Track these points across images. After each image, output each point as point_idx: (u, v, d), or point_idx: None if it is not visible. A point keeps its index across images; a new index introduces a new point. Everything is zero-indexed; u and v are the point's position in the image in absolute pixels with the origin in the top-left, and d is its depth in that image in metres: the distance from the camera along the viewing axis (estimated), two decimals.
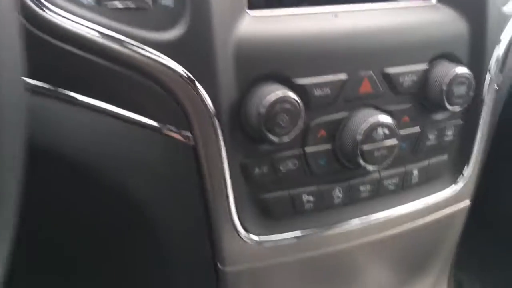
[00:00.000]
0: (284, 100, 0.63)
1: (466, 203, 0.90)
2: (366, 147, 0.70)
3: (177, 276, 0.75)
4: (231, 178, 0.67)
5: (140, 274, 0.80)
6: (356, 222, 0.79)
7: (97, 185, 0.69)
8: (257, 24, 0.66)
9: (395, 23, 0.74)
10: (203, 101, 0.63)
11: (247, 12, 0.65)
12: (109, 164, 0.67)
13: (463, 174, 0.86)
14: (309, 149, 0.71)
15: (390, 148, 0.72)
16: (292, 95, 0.64)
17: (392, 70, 0.73)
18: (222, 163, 0.66)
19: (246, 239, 0.71)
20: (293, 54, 0.67)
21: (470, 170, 0.86)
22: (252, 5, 0.66)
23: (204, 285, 0.76)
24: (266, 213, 0.72)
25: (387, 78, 0.73)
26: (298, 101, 0.64)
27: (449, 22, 0.77)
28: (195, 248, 0.72)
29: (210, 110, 0.64)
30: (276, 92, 0.63)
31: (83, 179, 0.69)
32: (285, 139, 0.65)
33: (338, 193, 0.76)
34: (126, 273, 0.82)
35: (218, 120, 0.64)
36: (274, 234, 0.73)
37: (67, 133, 0.67)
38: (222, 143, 0.65)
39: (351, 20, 0.71)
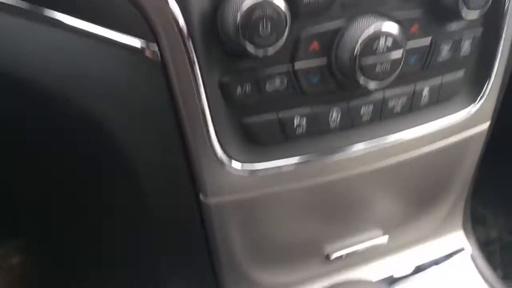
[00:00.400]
0: (264, 4, 0.53)
1: (485, 126, 0.80)
2: (365, 60, 0.60)
3: (158, 210, 0.68)
4: (209, 99, 0.59)
5: (118, 211, 0.74)
6: (355, 149, 0.70)
7: (63, 112, 0.61)
8: None
9: None
10: (170, 10, 0.54)
11: None
12: (72, 87, 0.59)
13: (482, 94, 0.75)
14: (299, 65, 0.61)
15: (395, 62, 0.62)
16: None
17: None
18: (196, 82, 0.57)
19: (229, 167, 0.63)
20: None
21: (490, 89, 0.75)
22: None
23: (188, 219, 0.69)
24: (252, 138, 0.64)
25: None
26: (283, 6, 0.54)
27: None
28: (173, 179, 0.65)
29: (179, 20, 0.54)
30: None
31: (46, 106, 0.61)
32: (269, 51, 0.56)
33: (335, 116, 0.67)
34: (102, 209, 0.76)
35: (189, 32, 0.55)
36: (261, 162, 0.65)
37: (25, 52, 0.60)
38: (195, 59, 0.56)
39: None
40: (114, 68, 0.58)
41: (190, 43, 0.55)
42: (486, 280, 0.89)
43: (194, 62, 0.56)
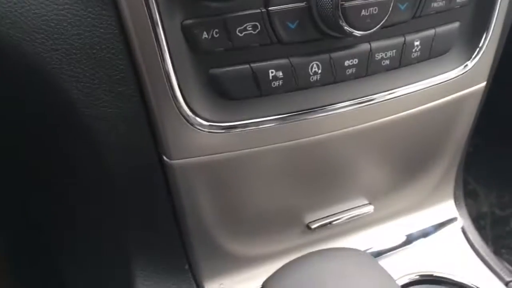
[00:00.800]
0: None
1: (480, 86, 0.73)
2: (349, 4, 0.53)
3: (118, 173, 0.61)
4: (170, 46, 0.52)
5: (76, 175, 0.67)
6: (339, 107, 0.63)
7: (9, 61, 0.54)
8: None
9: None
10: None
11: None
12: (14, 27, 0.51)
13: (479, 49, 0.68)
14: (274, 8, 0.54)
15: (383, 5, 0.55)
16: None
17: None
18: (154, 25, 0.50)
19: (195, 124, 0.56)
20: None
21: (487, 45, 0.68)
22: None
23: (151, 182, 0.62)
24: (221, 93, 0.57)
25: None
26: None
27: None
28: (132, 138, 0.58)
29: None
30: None
31: None
32: None
33: (315, 69, 0.59)
34: (62, 172, 0.69)
35: None
36: (231, 120, 0.58)
37: None
38: None
39: None
40: (59, 6, 0.50)
41: None
42: (477, 252, 0.83)
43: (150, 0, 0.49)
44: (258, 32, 0.54)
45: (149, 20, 0.50)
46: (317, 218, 0.76)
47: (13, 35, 0.50)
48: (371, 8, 0.54)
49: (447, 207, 0.87)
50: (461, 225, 0.86)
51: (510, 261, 1.44)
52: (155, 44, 0.51)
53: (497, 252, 1.44)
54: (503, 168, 1.64)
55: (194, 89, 0.55)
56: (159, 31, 0.50)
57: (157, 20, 0.50)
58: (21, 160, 0.74)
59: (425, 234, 0.84)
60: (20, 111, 0.60)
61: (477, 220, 1.61)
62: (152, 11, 0.49)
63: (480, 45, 0.68)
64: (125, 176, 0.62)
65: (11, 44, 0.50)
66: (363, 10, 0.54)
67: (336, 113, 0.63)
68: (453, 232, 0.86)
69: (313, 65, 0.59)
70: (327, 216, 0.76)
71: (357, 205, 0.78)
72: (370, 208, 0.78)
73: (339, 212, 0.77)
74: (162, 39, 0.51)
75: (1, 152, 0.74)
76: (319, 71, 0.59)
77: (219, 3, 0.52)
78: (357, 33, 0.55)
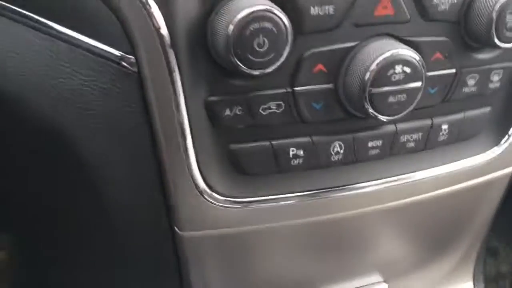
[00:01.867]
0: (262, 16, 0.45)
1: (508, 170, 0.70)
2: (376, 90, 0.52)
3: (128, 240, 0.60)
4: (191, 121, 0.51)
5: (85, 241, 0.66)
6: (359, 188, 0.61)
7: (27, 124, 0.53)
8: None
9: None
10: (151, 15, 0.46)
11: None
12: (34, 94, 0.51)
13: (509, 135, 0.66)
14: (300, 88, 0.53)
15: (411, 94, 0.53)
16: (276, 10, 0.46)
17: None
18: (177, 99, 0.49)
19: (210, 199, 0.55)
20: None
21: None
22: None
23: (159, 252, 0.61)
24: (239, 169, 0.55)
25: None
26: (285, 19, 0.46)
27: None
28: (147, 209, 0.57)
29: (160, 28, 0.46)
30: (252, 6, 0.45)
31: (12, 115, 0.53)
32: (265, 71, 0.48)
33: (337, 148, 0.58)
34: (70, 238, 0.68)
35: (172, 42, 0.47)
36: (247, 195, 0.57)
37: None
38: (177, 73, 0.48)
39: None
40: (83, 76, 0.50)
41: (172, 54, 0.47)
42: None
43: (175, 76, 0.48)
44: (282, 111, 0.53)
45: (172, 95, 0.49)
46: None
47: (45, 104, 0.50)
48: (400, 95, 0.53)
49: None
50: None
51: None
52: (176, 117, 0.50)
53: None
54: None
55: (211, 164, 0.54)
56: (182, 106, 0.50)
57: (179, 95, 0.49)
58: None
59: None
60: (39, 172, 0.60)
61: (497, 281, 1.55)
62: (176, 86, 0.49)
63: (510, 131, 0.66)
64: (134, 243, 0.61)
65: (40, 114, 0.50)
66: (391, 97, 0.53)
67: (356, 193, 0.61)
68: None
69: (335, 144, 0.58)
70: None
71: (370, 283, 0.76)
72: (384, 287, 0.75)
73: None
74: (183, 113, 0.50)
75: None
76: (341, 151, 0.58)
77: (244, 82, 0.51)
78: (383, 118, 0.54)
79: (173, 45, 0.47)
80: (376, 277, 0.75)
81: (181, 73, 0.48)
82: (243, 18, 0.45)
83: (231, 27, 0.45)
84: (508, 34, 0.55)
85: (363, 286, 0.74)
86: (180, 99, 0.49)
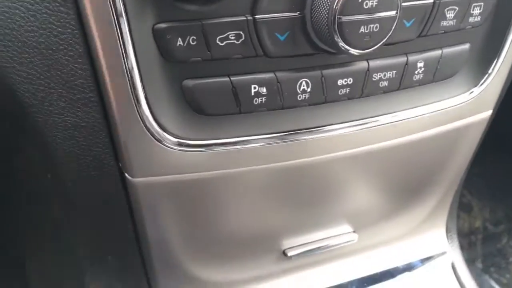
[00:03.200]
0: None
1: (487, 113, 0.66)
2: (346, 18, 0.46)
3: (75, 186, 0.54)
4: (138, 51, 0.45)
5: (34, 195, 0.60)
6: (328, 131, 0.56)
7: None
8: None
9: None
10: None
11: None
12: None
13: (488, 75, 0.62)
14: (262, 16, 0.47)
15: (386, 22, 0.48)
16: None
17: None
18: (120, 25, 0.43)
19: (162, 141, 0.50)
20: None
21: (498, 70, 0.62)
22: None
23: (110, 199, 0.55)
24: (195, 107, 0.50)
25: None
26: None
27: None
28: (92, 152, 0.51)
29: None
30: None
31: None
32: None
33: (304, 86, 0.53)
34: (19, 193, 0.62)
35: None
36: (205, 138, 0.51)
37: None
38: None
39: None
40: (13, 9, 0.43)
41: None
42: None
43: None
44: (242, 42, 0.48)
45: (114, 20, 0.43)
46: (295, 245, 0.70)
47: None
48: (372, 25, 0.48)
49: (438, 240, 0.81)
50: (451, 261, 0.80)
51: (498, 280, 1.39)
52: (120, 48, 0.44)
53: (486, 270, 1.39)
54: (499, 181, 1.58)
55: (163, 102, 0.48)
56: (126, 33, 0.43)
57: (123, 21, 0.43)
58: None
59: (411, 267, 0.78)
60: None
61: (469, 236, 1.56)
62: (118, 10, 0.42)
63: (490, 70, 0.62)
64: (82, 191, 0.55)
65: None
66: (363, 27, 0.47)
67: (325, 136, 0.57)
68: (442, 267, 0.80)
69: (302, 82, 0.52)
70: (306, 243, 0.70)
71: (340, 233, 0.72)
72: (354, 237, 0.72)
73: (319, 240, 0.71)
74: (128, 43, 0.44)
75: None
76: (308, 89, 0.53)
77: (198, 7, 0.45)
78: (354, 51, 0.49)
79: None
80: (345, 227, 0.72)
81: None
82: None
83: None
84: None
85: (332, 236, 0.71)
86: (123, 24, 0.43)
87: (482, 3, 0.56)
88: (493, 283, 1.38)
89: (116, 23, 0.43)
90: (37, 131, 0.49)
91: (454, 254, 0.81)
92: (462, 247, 1.49)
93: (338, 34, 0.47)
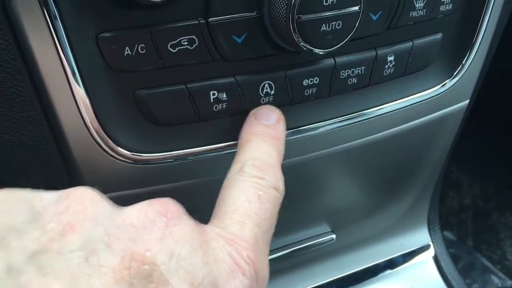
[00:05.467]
0: None
1: (463, 103, 0.64)
2: (306, 17, 0.43)
3: None
4: (80, 63, 0.41)
5: None
6: (300, 131, 0.54)
7: None
8: None
9: None
10: None
11: None
12: None
13: (462, 66, 0.59)
14: (216, 19, 0.44)
15: (348, 19, 0.45)
16: None
17: None
18: (58, 37, 0.39)
19: (116, 156, 0.46)
20: None
21: (473, 60, 0.59)
22: None
23: None
24: (150, 118, 0.47)
25: None
26: None
27: None
28: (41, 171, 0.48)
29: None
30: None
31: None
32: None
33: (267, 89, 0.50)
34: None
35: None
36: (162, 150, 0.48)
37: None
38: (51, 2, 0.38)
39: None
40: None
41: None
42: (449, 285, 0.76)
43: (51, 6, 0.38)
44: (196, 47, 0.44)
45: (50, 33, 0.39)
46: (272, 249, 0.67)
47: None
48: (334, 23, 0.45)
49: (420, 233, 0.79)
50: (433, 254, 0.78)
51: (490, 257, 1.39)
52: (61, 62, 0.41)
53: (477, 248, 1.38)
54: (488, 156, 1.56)
55: (115, 114, 0.45)
56: (65, 45, 0.40)
57: (61, 32, 0.39)
58: None
59: (393, 264, 0.76)
60: None
61: (459, 213, 1.55)
62: (54, 18, 0.39)
63: (464, 61, 0.59)
64: None
65: None
66: (324, 25, 0.44)
67: (296, 138, 0.54)
68: (425, 261, 0.78)
69: (264, 85, 0.49)
70: (283, 246, 0.68)
71: (317, 234, 0.70)
72: (331, 237, 0.69)
73: (297, 241, 0.68)
74: (69, 56, 0.40)
75: None
76: (272, 92, 0.50)
77: (144, 12, 0.41)
78: (317, 51, 0.46)
79: None
80: (324, 227, 0.70)
81: (57, 1, 0.38)
82: None
83: None
84: None
85: (310, 237, 0.68)
86: (61, 35, 0.39)
87: None
88: (484, 261, 1.38)
89: (54, 35, 0.39)
90: None
91: (437, 247, 0.79)
92: (452, 226, 1.49)
93: (298, 33, 0.44)
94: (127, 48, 0.42)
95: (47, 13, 0.38)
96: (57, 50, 0.40)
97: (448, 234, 1.43)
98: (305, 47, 0.45)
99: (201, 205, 0.55)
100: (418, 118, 0.61)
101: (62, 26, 0.39)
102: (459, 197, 1.57)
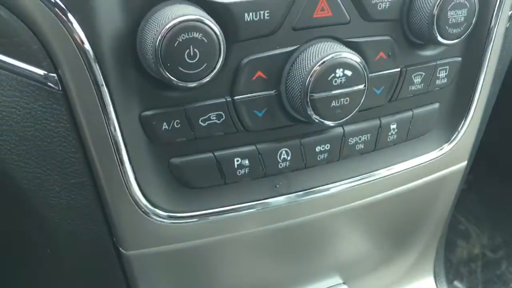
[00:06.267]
0: (191, 26, 0.43)
1: (461, 165, 0.70)
2: (318, 95, 0.50)
3: (75, 266, 0.57)
4: (126, 137, 0.48)
5: (33, 269, 0.63)
6: (313, 192, 0.60)
7: None
8: None
9: None
10: (71, 33, 0.43)
11: None
12: None
13: (459, 131, 0.66)
14: (240, 97, 0.51)
15: (355, 96, 0.52)
16: (206, 19, 0.43)
17: None
18: (108, 116, 0.47)
19: (153, 216, 0.53)
20: None
21: (468, 126, 0.66)
22: None
23: (107, 274, 0.58)
24: (183, 182, 0.53)
25: None
26: (215, 28, 0.44)
27: None
28: (88, 229, 0.54)
29: (81, 44, 0.44)
30: (179, 16, 0.43)
31: None
32: (199, 83, 0.45)
33: (284, 155, 0.56)
34: (17, 265, 0.65)
35: (97, 58, 0.44)
36: (193, 209, 0.55)
37: None
38: (105, 89, 0.46)
39: None
40: (7, 99, 0.47)
41: (98, 69, 0.45)
42: None
43: (104, 92, 0.46)
44: (223, 121, 0.51)
45: (102, 113, 0.47)
46: None
47: None
48: (342, 99, 0.52)
49: (426, 285, 0.84)
50: None
51: None
52: (110, 137, 0.48)
53: None
54: (496, 207, 1.59)
55: (152, 179, 0.52)
56: (113, 123, 0.47)
57: (111, 112, 0.47)
58: None
59: None
60: None
61: (468, 263, 1.57)
62: (106, 103, 0.46)
63: (460, 128, 0.65)
64: (81, 265, 0.58)
65: None
66: (334, 101, 0.51)
67: (310, 198, 0.60)
68: None
69: (282, 152, 0.56)
70: None
71: (330, 285, 0.75)
72: None
73: None
74: (117, 131, 0.48)
75: None
76: (288, 157, 0.56)
77: (179, 93, 0.49)
78: (328, 123, 0.52)
79: (99, 59, 0.44)
80: (335, 279, 0.75)
81: (109, 88, 0.46)
82: (170, 29, 0.42)
83: (159, 38, 0.43)
84: (450, 30, 0.54)
85: None
86: (111, 115, 0.47)
87: (447, 67, 0.61)
88: None
89: (104, 115, 0.47)
90: (35, 212, 0.53)
91: None
92: (462, 276, 1.51)
93: (311, 108, 0.51)
94: (164, 123, 0.49)
95: (100, 96, 0.46)
96: (107, 127, 0.47)
97: (458, 284, 1.45)
98: (317, 119, 0.52)
99: (232, 258, 0.61)
100: (420, 179, 0.67)
101: (112, 106, 0.46)
102: (468, 247, 1.60)
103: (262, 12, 0.48)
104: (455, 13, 0.53)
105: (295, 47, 0.51)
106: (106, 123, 0.47)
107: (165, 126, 0.49)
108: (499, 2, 0.58)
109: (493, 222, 1.62)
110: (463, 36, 0.55)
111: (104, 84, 0.45)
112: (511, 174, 1.58)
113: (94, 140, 0.48)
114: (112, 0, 0.44)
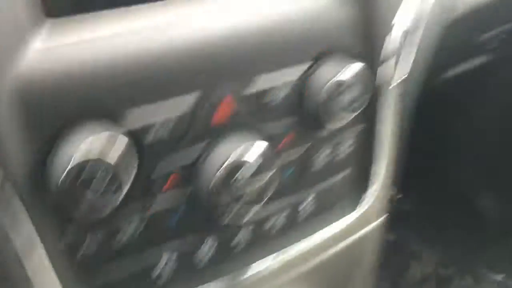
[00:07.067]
0: (85, 169, 0.44)
1: (379, 220, 0.74)
2: (225, 199, 0.52)
3: None
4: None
5: None
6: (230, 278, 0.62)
7: None
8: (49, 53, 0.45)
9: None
10: None
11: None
12: None
13: (365, 192, 0.70)
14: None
15: (260, 191, 0.54)
16: (97, 155, 0.44)
17: (259, 83, 0.54)
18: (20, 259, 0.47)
19: None
20: (102, 88, 0.47)
21: (377, 184, 0.70)
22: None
23: None
24: None
25: (252, 95, 0.55)
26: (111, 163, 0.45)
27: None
28: None
29: None
30: (74, 158, 0.44)
31: None
32: (96, 215, 0.47)
33: (204, 252, 0.58)
34: None
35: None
36: None
37: None
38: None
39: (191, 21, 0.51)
40: None
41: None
42: None
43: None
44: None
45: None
46: None
47: None
48: (246, 197, 0.53)
49: None
50: None
51: None
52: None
53: None
54: (446, 225, 1.67)
55: None
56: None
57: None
58: None
59: None
60: None
61: (421, 283, 1.64)
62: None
63: (368, 187, 0.69)
64: None
65: None
66: (236, 205, 0.53)
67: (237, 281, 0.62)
68: None
69: (198, 253, 0.58)
70: None
71: None
72: None
73: None
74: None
75: None
76: (209, 253, 0.58)
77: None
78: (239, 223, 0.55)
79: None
80: None
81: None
82: (66, 176, 0.43)
83: (56, 183, 0.44)
84: (343, 111, 0.58)
85: None
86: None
87: (353, 134, 0.64)
88: None
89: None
90: None
91: None
92: None
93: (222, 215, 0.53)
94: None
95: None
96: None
97: None
98: (229, 223, 0.54)
99: None
100: (341, 242, 0.70)
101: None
102: (421, 268, 1.66)
103: (159, 129, 0.50)
104: (346, 96, 0.57)
105: (198, 152, 0.53)
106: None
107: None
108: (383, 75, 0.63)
109: (444, 240, 1.67)
110: (361, 108, 0.59)
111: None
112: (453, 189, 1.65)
113: None
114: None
